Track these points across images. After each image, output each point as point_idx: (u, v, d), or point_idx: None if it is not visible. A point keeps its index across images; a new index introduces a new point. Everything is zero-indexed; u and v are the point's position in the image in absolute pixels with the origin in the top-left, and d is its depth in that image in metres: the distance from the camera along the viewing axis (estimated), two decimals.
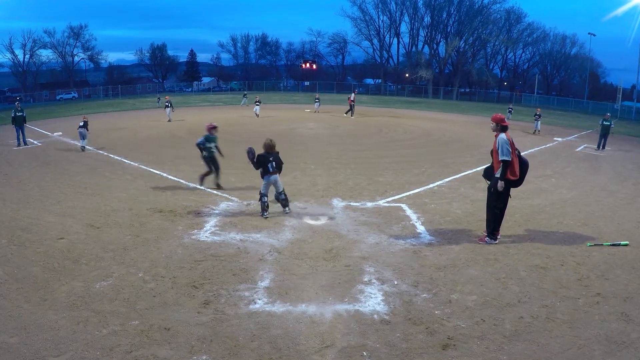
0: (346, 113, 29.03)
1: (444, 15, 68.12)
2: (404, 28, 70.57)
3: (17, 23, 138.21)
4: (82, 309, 4.58)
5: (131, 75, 76.12)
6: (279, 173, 7.80)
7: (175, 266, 5.68)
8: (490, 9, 64.74)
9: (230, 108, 37.04)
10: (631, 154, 17.90)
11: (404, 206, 8.60)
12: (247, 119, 26.31)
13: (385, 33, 71.66)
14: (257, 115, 27.53)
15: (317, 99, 32.98)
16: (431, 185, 10.50)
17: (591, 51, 62.94)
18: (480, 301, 4.89)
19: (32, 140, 17.49)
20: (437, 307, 4.74)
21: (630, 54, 73.78)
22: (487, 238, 6.66)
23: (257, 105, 28.29)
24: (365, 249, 6.32)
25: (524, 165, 6.47)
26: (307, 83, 70.80)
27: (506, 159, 6.23)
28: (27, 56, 61.92)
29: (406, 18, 69.76)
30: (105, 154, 14.54)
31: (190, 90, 70.82)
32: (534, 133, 23.11)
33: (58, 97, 57.79)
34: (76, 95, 59.77)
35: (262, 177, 7.73)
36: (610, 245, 6.70)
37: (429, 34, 69.44)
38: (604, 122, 18.53)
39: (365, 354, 3.92)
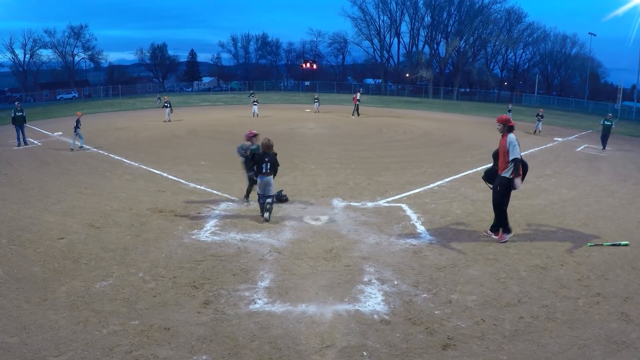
0: (352, 114, 28.83)
1: (445, 15, 68.20)
2: (404, 28, 70.79)
3: (18, 23, 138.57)
4: (82, 309, 4.59)
5: (131, 75, 76.00)
6: (274, 176, 7.63)
7: (175, 266, 5.68)
8: (491, 8, 64.92)
9: (230, 108, 37.03)
10: (631, 154, 17.90)
11: (404, 206, 8.60)
12: (247, 119, 26.31)
13: (386, 33, 71.82)
14: (256, 115, 27.54)
15: (316, 99, 32.93)
16: (431, 185, 10.49)
17: (591, 51, 63.23)
18: (480, 301, 4.89)
19: (32, 140, 17.50)
20: (437, 307, 4.74)
21: (630, 54, 74.00)
22: (505, 235, 6.76)
23: (254, 105, 28.31)
24: (366, 249, 6.32)
25: (524, 167, 6.65)
26: (307, 83, 70.85)
27: (518, 157, 6.38)
28: (28, 56, 62.09)
29: (406, 18, 69.97)
30: (105, 153, 14.54)
31: (190, 90, 70.86)
32: (534, 133, 23.12)
33: (58, 97, 57.83)
34: (76, 95, 59.81)
35: (255, 177, 7.65)
36: (610, 245, 6.71)
37: (429, 33, 69.54)
38: (605, 122, 18.55)
39: (365, 354, 3.92)
